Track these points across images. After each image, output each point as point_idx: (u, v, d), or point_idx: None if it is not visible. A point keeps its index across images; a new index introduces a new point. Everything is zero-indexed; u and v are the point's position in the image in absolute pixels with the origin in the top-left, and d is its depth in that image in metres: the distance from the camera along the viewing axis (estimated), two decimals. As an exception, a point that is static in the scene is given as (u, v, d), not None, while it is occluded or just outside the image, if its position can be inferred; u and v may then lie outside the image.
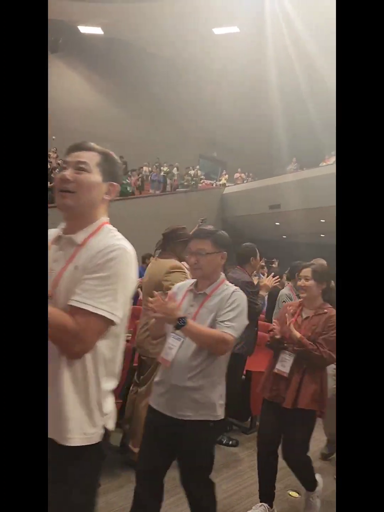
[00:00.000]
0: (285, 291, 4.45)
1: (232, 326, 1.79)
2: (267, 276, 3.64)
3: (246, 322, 1.90)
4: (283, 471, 2.62)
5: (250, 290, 3.39)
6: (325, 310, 2.43)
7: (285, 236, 17.14)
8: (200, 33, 16.46)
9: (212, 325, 1.81)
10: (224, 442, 3.42)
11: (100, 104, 19.12)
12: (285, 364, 2.38)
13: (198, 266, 1.87)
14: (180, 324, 1.70)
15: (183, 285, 2.05)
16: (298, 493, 2.76)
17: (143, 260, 6.71)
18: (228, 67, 17.23)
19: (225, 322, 1.79)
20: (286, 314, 2.48)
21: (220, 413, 1.86)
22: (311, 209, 13.12)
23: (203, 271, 1.88)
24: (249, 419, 3.90)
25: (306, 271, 2.49)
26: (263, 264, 4.92)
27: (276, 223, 15.79)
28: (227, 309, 1.83)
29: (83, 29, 17.62)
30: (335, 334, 2.24)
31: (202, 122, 19.16)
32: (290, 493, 2.77)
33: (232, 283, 3.57)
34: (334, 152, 15.03)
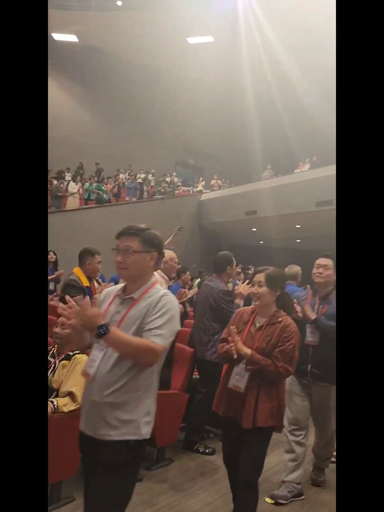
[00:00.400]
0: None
1: (161, 334, 1.58)
2: (243, 283, 3.60)
3: (177, 328, 1.70)
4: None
5: (227, 298, 3.43)
6: (280, 319, 2.27)
7: (262, 242, 17.32)
8: (174, 42, 16.59)
9: (138, 333, 1.61)
10: (201, 450, 3.38)
11: (75, 111, 18.99)
12: (240, 379, 2.22)
13: (124, 265, 1.67)
14: (100, 332, 1.49)
15: (111, 290, 1.84)
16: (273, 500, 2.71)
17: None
18: (204, 76, 17.38)
19: (153, 330, 1.58)
20: (232, 326, 2.27)
21: (145, 432, 1.62)
22: (286, 215, 13.31)
23: (129, 271, 1.68)
24: None
25: (259, 277, 2.31)
26: (239, 270, 4.90)
27: (253, 229, 15.94)
28: (155, 316, 1.61)
29: (58, 36, 17.51)
30: (292, 345, 2.17)
31: (178, 129, 19.26)
32: (266, 499, 2.71)
33: (209, 292, 3.59)
34: (308, 159, 15.32)
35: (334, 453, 3.35)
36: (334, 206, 12.29)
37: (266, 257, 13.45)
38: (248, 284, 3.45)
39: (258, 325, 2.31)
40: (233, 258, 3.64)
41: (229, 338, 2.26)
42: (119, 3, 16.40)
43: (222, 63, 17.01)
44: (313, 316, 2.75)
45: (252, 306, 2.43)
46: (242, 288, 3.37)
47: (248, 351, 2.19)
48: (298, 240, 15.91)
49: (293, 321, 2.29)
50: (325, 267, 2.85)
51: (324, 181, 12.36)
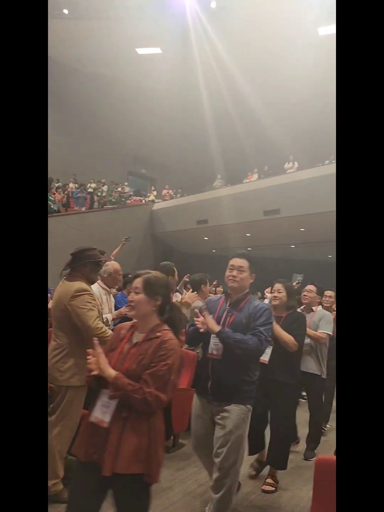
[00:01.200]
0: (198, 303, 3.90)
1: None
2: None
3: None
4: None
5: None
6: (158, 334, 1.80)
7: (214, 250, 17.56)
8: (124, 52, 16.61)
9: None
10: None
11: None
12: (105, 410, 1.72)
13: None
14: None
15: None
16: None
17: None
18: (156, 86, 17.49)
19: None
20: (96, 342, 1.80)
21: None
22: (236, 223, 13.61)
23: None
24: (172, 438, 3.79)
25: (137, 282, 1.88)
26: (187, 279, 4.89)
27: (205, 238, 16.15)
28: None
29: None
30: (166, 366, 1.71)
31: (130, 139, 19.20)
32: None
33: None
34: (256, 169, 15.77)
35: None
36: (280, 215, 12.71)
37: (218, 265, 13.63)
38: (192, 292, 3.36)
39: (134, 341, 1.85)
40: (175, 268, 3.61)
41: (88, 357, 1.79)
42: (66, 11, 16.20)
43: (174, 74, 17.22)
44: (216, 328, 2.36)
45: (133, 321, 1.96)
46: (188, 297, 3.19)
47: (112, 373, 1.70)
48: (249, 249, 16.27)
49: (174, 337, 1.82)
50: (240, 269, 2.49)
51: (271, 190, 12.79)
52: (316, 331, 3.72)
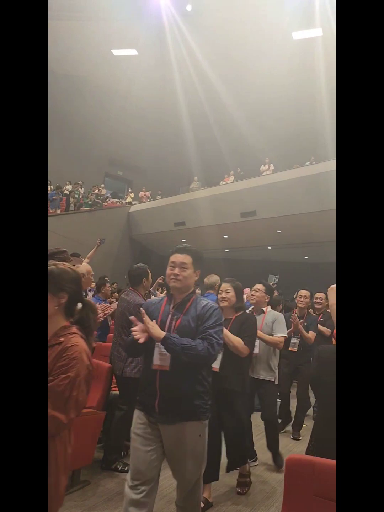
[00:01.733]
0: None
1: None
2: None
3: None
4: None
5: None
6: (61, 339, 1.50)
7: (191, 252, 17.58)
8: (99, 53, 16.49)
9: None
10: (119, 468, 3.26)
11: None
12: None
13: None
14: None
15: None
16: None
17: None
18: (132, 88, 17.42)
19: None
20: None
21: None
22: (214, 225, 13.68)
23: None
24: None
25: None
26: (161, 281, 4.87)
27: (183, 240, 16.15)
28: None
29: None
30: (68, 380, 1.40)
31: (106, 141, 19.05)
32: None
33: (125, 307, 3.40)
34: (233, 171, 15.89)
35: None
36: (257, 217, 12.82)
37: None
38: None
39: None
40: (149, 270, 3.57)
41: None
42: (40, 11, 15.96)
43: (150, 76, 17.19)
44: (161, 335, 1.98)
45: None
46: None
47: None
48: (226, 250, 16.38)
49: (81, 342, 1.51)
50: (182, 266, 2.15)
51: (247, 192, 12.91)
52: (271, 334, 3.45)
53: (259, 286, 3.66)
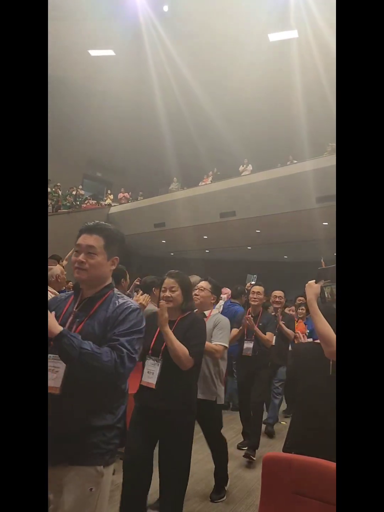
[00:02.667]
0: (151, 307, 3.72)
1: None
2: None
3: None
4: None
5: None
6: None
7: (172, 253, 17.57)
8: (76, 53, 16.31)
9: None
10: None
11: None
12: None
13: None
14: None
15: None
16: None
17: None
18: (110, 88, 17.28)
19: None
20: None
21: None
22: (194, 226, 13.69)
23: None
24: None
25: None
26: (138, 283, 4.85)
27: (163, 241, 16.12)
28: None
29: None
30: None
31: (84, 142, 18.85)
32: None
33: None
34: (211, 172, 15.95)
35: None
36: (236, 217, 12.88)
37: (176, 268, 13.61)
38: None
39: None
40: (126, 271, 3.54)
41: None
42: (14, 10, 15.69)
43: (128, 77, 17.09)
44: (56, 329, 1.46)
45: None
46: (142, 298, 3.12)
47: None
48: (207, 251, 16.41)
49: None
50: (90, 251, 1.62)
51: (226, 193, 12.98)
52: (210, 341, 2.86)
53: (203, 284, 3.13)
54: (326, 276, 1.92)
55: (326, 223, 11.48)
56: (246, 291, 5.24)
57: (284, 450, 2.15)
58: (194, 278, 4.31)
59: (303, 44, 13.95)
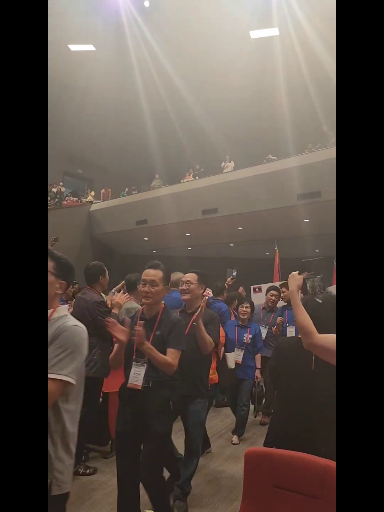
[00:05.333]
0: (132, 304, 3.82)
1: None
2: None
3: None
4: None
5: (102, 309, 3.31)
6: None
7: (154, 251, 17.49)
8: (56, 48, 16.06)
9: None
10: (80, 471, 3.21)
11: None
12: None
13: None
14: None
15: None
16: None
17: None
18: (91, 84, 17.07)
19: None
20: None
21: None
22: (175, 223, 13.65)
23: None
24: (110, 443, 3.69)
25: None
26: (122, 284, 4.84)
27: (145, 238, 16.03)
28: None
29: None
30: None
31: (65, 139, 18.59)
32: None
33: (84, 306, 3.33)
34: (191, 169, 15.93)
35: None
36: (218, 214, 12.88)
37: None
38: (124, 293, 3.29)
39: None
40: (105, 268, 3.53)
41: None
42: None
43: (109, 72, 16.91)
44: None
45: None
46: (119, 297, 3.18)
47: None
48: (189, 248, 16.39)
49: None
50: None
51: (208, 190, 12.98)
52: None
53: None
54: (310, 268, 1.91)
55: (307, 220, 11.59)
56: (226, 286, 5.27)
57: (265, 445, 2.16)
58: (177, 275, 4.31)
59: (285, 42, 14.05)
